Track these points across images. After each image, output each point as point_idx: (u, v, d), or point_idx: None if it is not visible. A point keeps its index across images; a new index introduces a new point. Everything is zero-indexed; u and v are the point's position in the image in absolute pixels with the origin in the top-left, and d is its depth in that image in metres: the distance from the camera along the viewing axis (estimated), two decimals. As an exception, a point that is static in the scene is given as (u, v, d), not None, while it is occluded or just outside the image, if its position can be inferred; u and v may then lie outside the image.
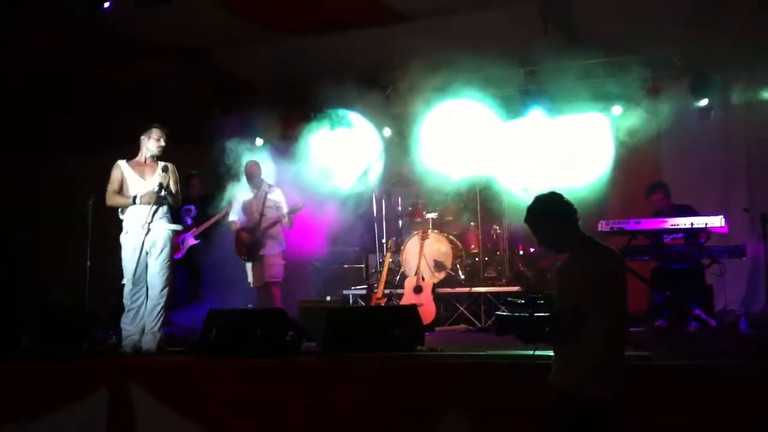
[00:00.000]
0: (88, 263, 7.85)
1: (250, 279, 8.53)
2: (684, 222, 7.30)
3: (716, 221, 7.33)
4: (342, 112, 9.79)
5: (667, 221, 7.41)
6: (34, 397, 6.37)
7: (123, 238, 6.77)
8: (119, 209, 6.80)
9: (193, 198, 9.08)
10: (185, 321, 8.17)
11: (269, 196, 8.53)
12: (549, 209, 4.02)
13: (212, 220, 8.76)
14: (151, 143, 6.83)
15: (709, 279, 7.68)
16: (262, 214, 8.40)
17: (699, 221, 7.31)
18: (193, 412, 5.92)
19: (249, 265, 8.55)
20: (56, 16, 8.56)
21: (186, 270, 8.70)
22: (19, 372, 6.58)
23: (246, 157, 8.90)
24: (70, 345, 7.07)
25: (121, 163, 6.81)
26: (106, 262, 8.62)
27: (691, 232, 7.51)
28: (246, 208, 8.64)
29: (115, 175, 6.76)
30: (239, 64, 10.55)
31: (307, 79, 8.71)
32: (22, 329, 7.56)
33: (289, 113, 9.32)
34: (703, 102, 9.27)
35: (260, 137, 10.07)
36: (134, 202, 6.65)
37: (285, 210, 8.47)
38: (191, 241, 8.74)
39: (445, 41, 8.78)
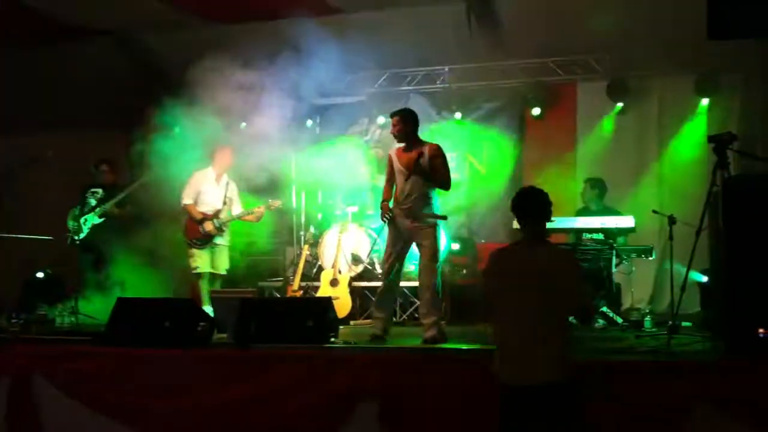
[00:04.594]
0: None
1: (199, 264, 8.22)
2: (595, 222, 7.48)
3: (626, 222, 7.55)
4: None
5: (579, 220, 7.59)
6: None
7: None
8: None
9: (105, 184, 8.90)
10: (93, 309, 8.00)
11: (230, 187, 8.44)
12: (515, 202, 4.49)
13: (115, 200, 8.65)
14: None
15: (617, 278, 7.89)
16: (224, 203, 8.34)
17: (610, 221, 7.51)
18: (100, 403, 5.81)
19: (198, 251, 8.25)
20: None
21: (93, 257, 8.60)
22: None
23: (163, 146, 8.64)
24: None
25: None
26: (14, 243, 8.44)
27: (608, 232, 7.73)
28: (206, 193, 8.40)
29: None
30: (164, 49, 10.34)
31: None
32: None
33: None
34: (619, 104, 9.52)
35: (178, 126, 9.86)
36: None
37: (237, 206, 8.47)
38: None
39: (374, 36, 8.81)
